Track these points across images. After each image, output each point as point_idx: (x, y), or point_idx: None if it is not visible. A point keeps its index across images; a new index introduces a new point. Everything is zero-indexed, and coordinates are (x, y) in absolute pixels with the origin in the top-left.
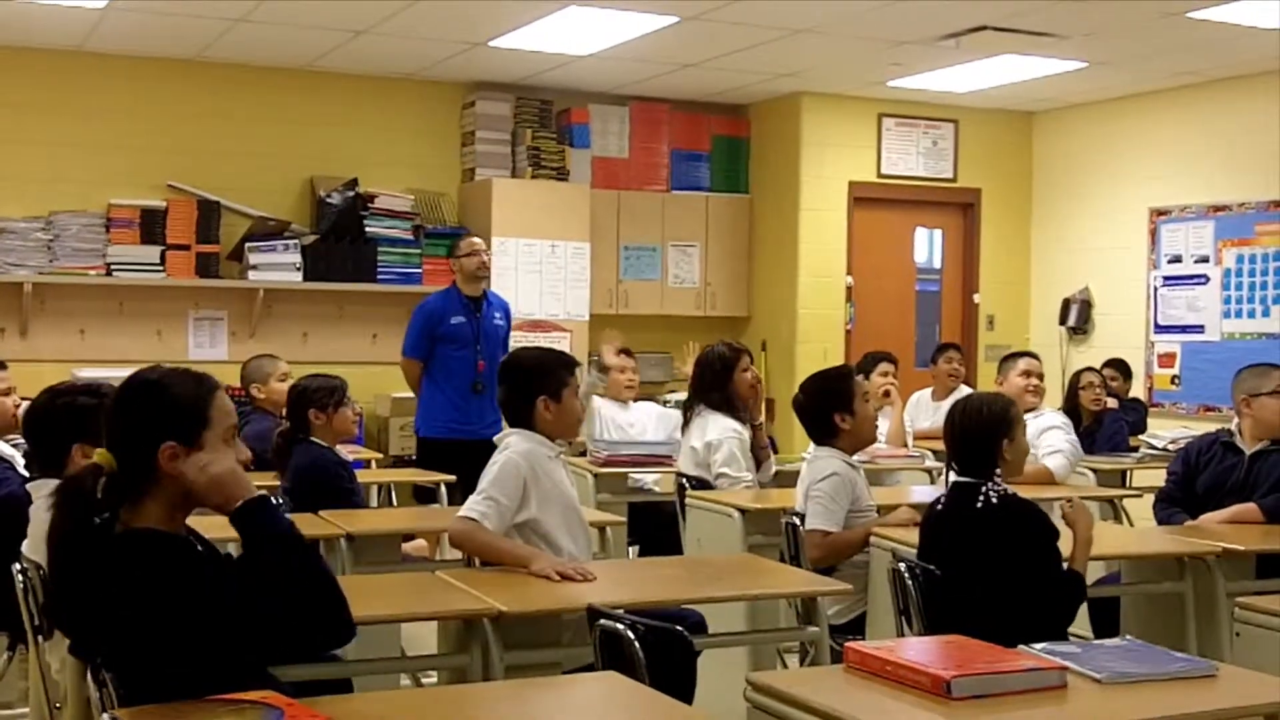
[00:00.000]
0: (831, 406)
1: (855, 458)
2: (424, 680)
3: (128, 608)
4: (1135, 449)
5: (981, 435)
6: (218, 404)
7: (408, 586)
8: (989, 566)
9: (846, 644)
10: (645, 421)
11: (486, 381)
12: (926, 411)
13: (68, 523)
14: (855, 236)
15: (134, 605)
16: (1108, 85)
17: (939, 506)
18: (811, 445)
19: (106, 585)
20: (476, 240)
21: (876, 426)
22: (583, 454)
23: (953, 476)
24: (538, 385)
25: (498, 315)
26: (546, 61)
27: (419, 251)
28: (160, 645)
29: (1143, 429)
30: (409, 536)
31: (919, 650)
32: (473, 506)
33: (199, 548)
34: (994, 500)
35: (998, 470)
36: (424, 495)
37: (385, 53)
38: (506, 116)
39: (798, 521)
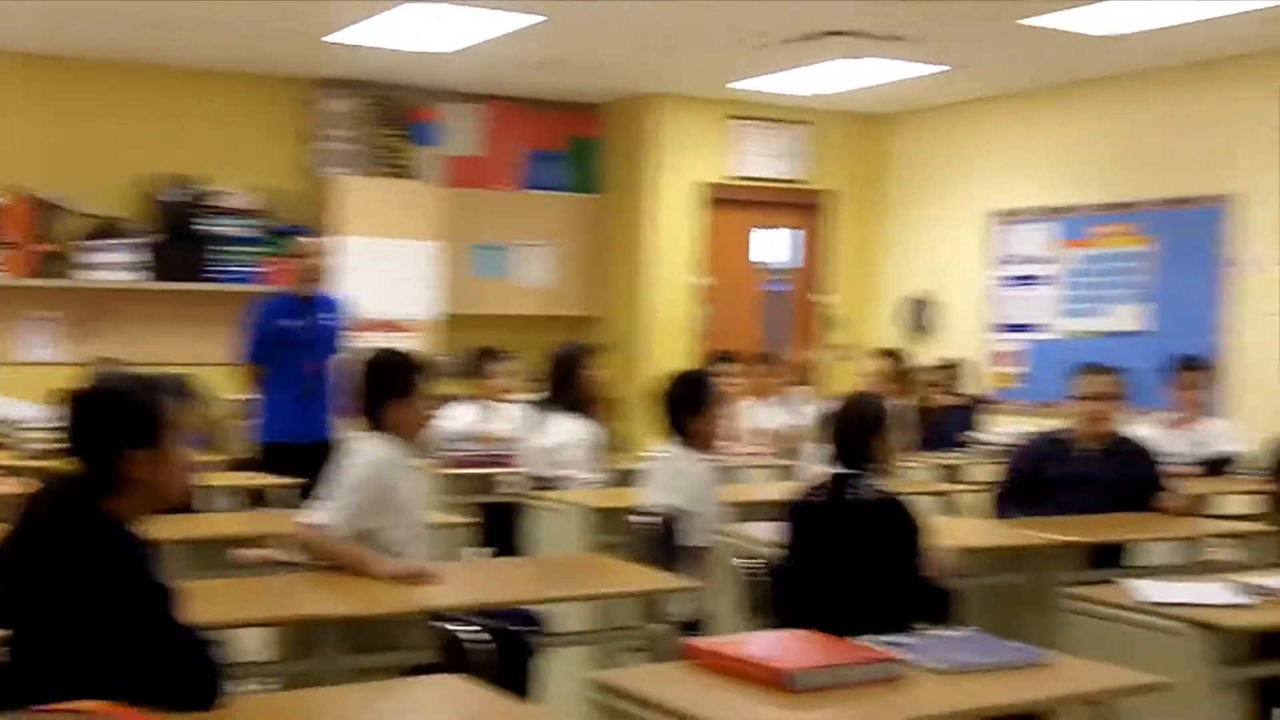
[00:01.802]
0: (688, 407)
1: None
2: (263, 687)
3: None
4: (971, 445)
5: (858, 430)
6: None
7: (247, 591)
8: (857, 558)
9: (688, 640)
10: (501, 423)
11: (319, 384)
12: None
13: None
14: (706, 237)
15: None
16: (953, 90)
17: (809, 496)
18: (663, 444)
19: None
20: (310, 241)
21: (730, 427)
22: (432, 455)
23: (828, 468)
24: (387, 387)
25: (331, 315)
26: (398, 59)
27: (263, 251)
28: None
29: (981, 426)
30: (249, 542)
31: (761, 645)
32: (319, 514)
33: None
34: (867, 494)
35: (874, 464)
36: (264, 499)
37: (229, 48)
38: (354, 114)
39: (644, 520)
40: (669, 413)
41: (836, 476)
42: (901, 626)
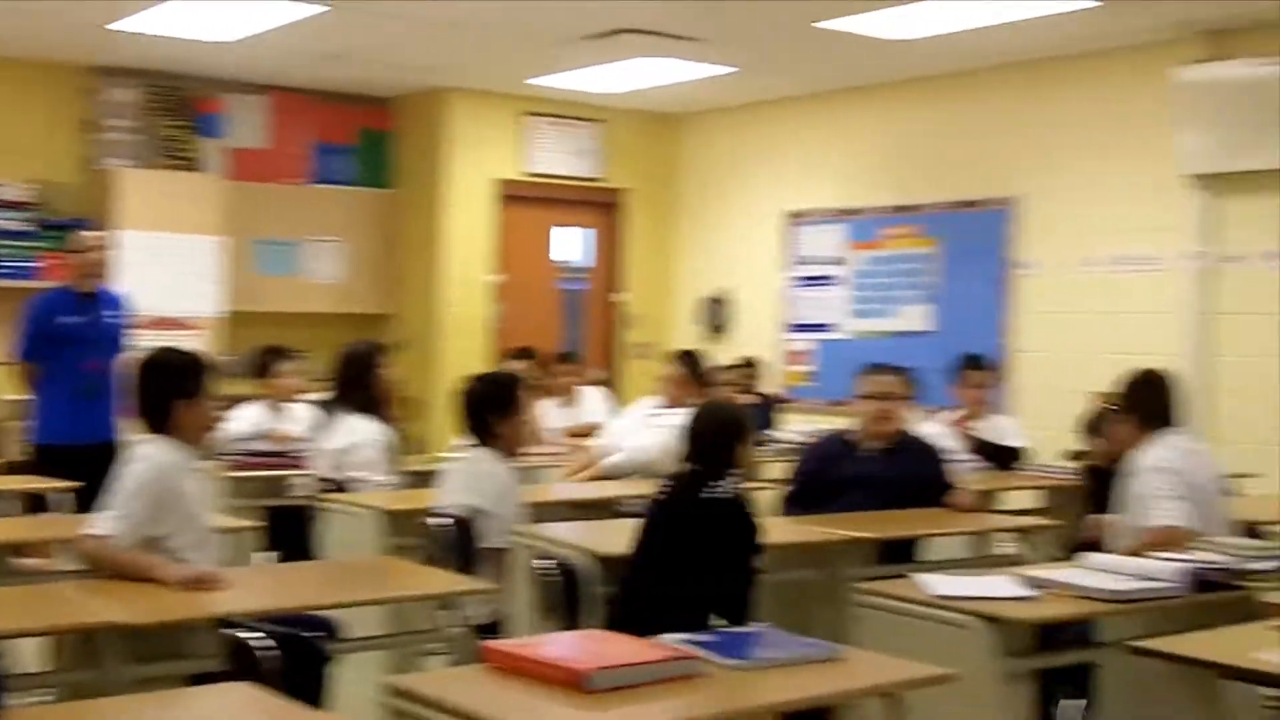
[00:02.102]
0: (493, 409)
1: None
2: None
3: None
4: (766, 443)
5: (720, 434)
6: None
7: (26, 600)
8: (703, 556)
9: (485, 643)
10: (290, 423)
11: (101, 383)
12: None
13: None
14: (501, 234)
15: None
16: (748, 90)
17: (661, 495)
18: (463, 445)
19: None
20: (89, 235)
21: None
22: (216, 457)
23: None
24: (173, 388)
25: (113, 313)
26: (180, 48)
27: (39, 245)
28: None
29: (775, 424)
30: (27, 549)
31: (558, 646)
32: (103, 523)
33: None
34: (721, 496)
35: (733, 470)
36: (40, 504)
37: (4, 33)
38: (136, 104)
39: (440, 523)
40: (472, 414)
41: (693, 474)
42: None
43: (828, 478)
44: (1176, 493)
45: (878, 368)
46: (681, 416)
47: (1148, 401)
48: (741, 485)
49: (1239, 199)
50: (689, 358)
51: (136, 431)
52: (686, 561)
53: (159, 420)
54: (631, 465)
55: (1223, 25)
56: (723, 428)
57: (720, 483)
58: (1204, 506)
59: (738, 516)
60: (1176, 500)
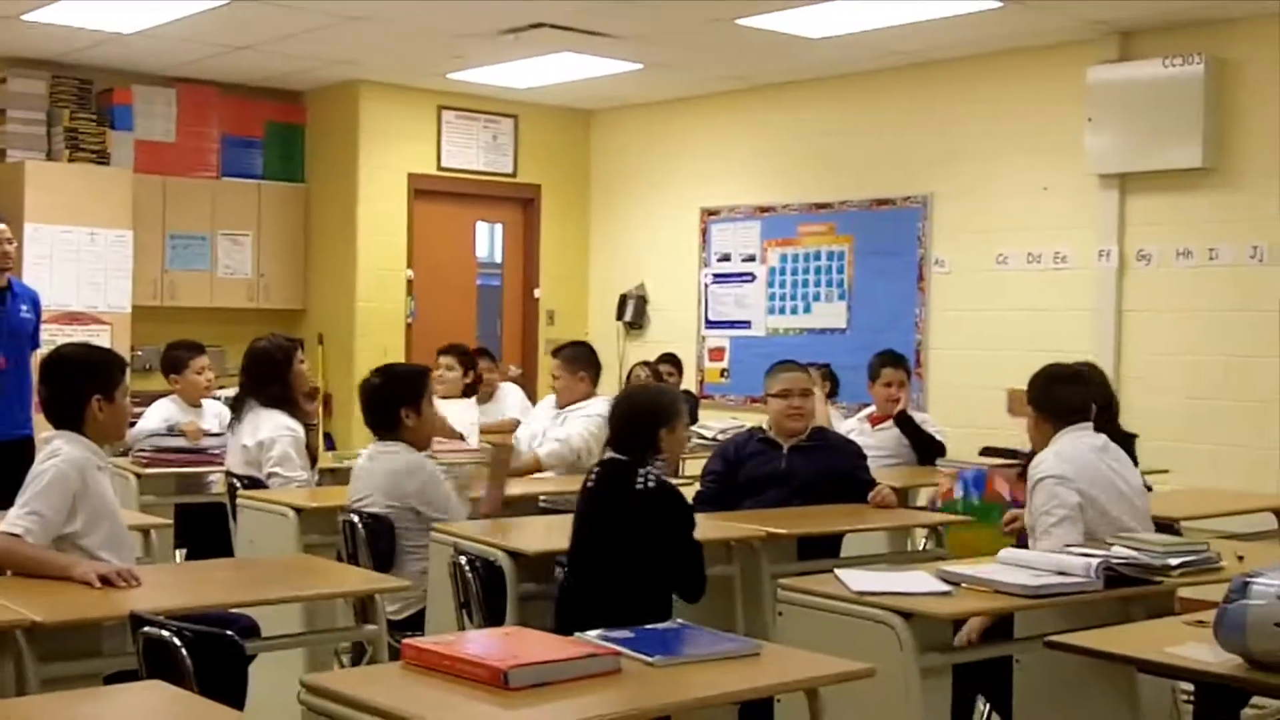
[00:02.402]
0: (400, 402)
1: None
2: None
3: None
4: (690, 439)
5: (643, 421)
6: None
7: None
8: (641, 542)
9: (404, 640)
10: (201, 420)
11: (12, 379)
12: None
13: None
14: (416, 229)
15: None
16: (663, 87)
17: (590, 482)
18: (377, 440)
19: None
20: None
21: (444, 423)
22: (124, 454)
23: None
24: (90, 385)
25: (24, 308)
26: (87, 39)
27: None
28: None
29: (694, 420)
30: None
31: (477, 643)
32: (15, 521)
33: None
34: (650, 484)
35: (660, 457)
36: None
37: None
38: (42, 95)
39: (356, 519)
40: (381, 407)
41: (620, 464)
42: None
43: (745, 475)
44: (1065, 508)
45: (787, 364)
46: (602, 404)
47: (1053, 397)
48: (665, 471)
49: (1149, 198)
50: (574, 349)
51: (45, 427)
52: (630, 551)
53: (73, 416)
54: (570, 452)
55: (1133, 26)
56: (645, 414)
57: (646, 469)
58: (1113, 505)
59: (670, 500)
60: (1062, 520)
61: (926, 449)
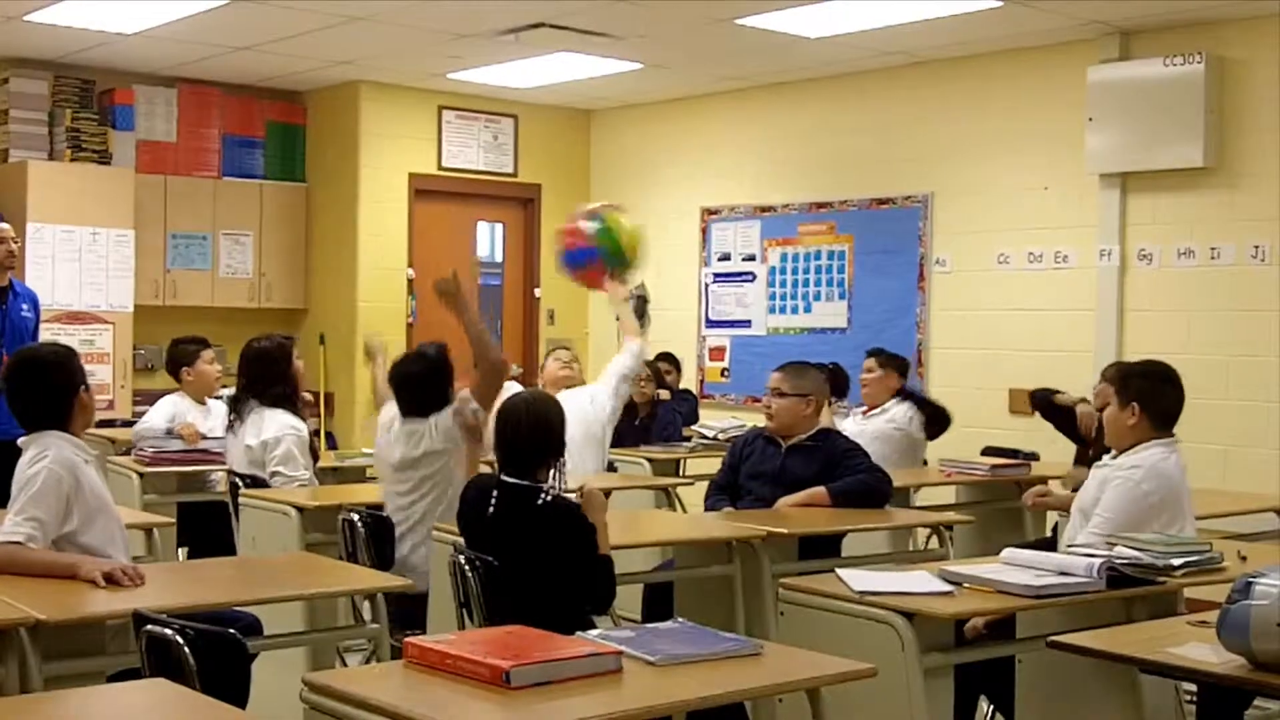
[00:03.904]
0: (451, 379)
1: None
2: None
3: None
4: (688, 439)
5: (537, 439)
6: None
7: None
8: (548, 558)
9: (406, 639)
10: (203, 419)
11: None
12: None
13: None
14: (416, 229)
15: None
16: (663, 86)
17: (491, 508)
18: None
19: None
20: (1, 227)
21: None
22: (127, 452)
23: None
24: (74, 377)
25: (25, 307)
26: (88, 39)
27: None
28: None
29: (695, 419)
30: None
31: (478, 642)
32: (15, 529)
33: None
34: (549, 499)
35: (557, 468)
36: None
37: None
38: (44, 95)
39: (356, 518)
40: (437, 390)
41: (512, 487)
42: (603, 611)
43: (745, 471)
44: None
45: (790, 365)
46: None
47: (1164, 398)
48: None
49: (1150, 197)
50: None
51: (31, 430)
52: (532, 563)
53: (60, 414)
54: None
55: (1133, 25)
56: (536, 427)
57: (545, 487)
58: (1175, 522)
59: (569, 513)
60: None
61: (935, 419)
